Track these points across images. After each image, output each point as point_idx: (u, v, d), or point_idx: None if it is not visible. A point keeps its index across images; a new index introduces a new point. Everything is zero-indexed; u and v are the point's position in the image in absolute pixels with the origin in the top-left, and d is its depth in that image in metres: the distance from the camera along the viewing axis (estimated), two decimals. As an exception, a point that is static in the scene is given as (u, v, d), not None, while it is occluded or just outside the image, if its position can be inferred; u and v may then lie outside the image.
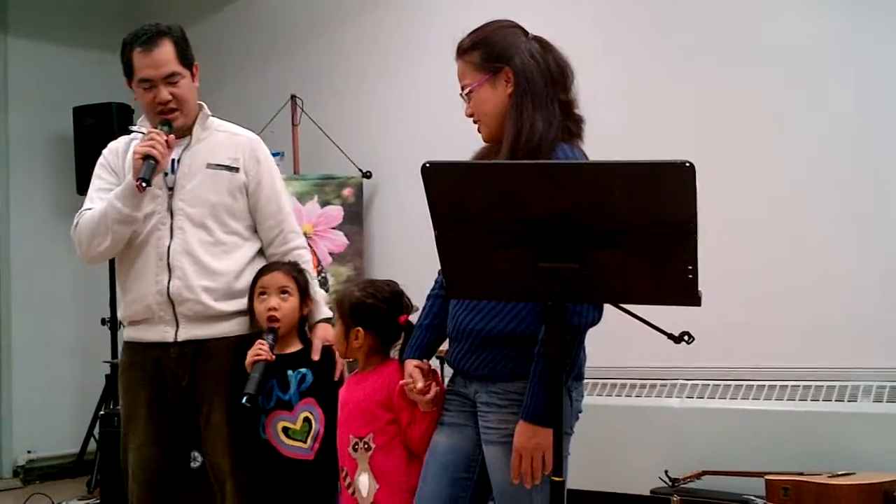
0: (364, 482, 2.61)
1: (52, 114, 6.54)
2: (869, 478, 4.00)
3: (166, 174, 3.06)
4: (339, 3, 6.22)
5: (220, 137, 3.17)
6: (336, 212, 5.72)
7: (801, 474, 4.12)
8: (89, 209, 3.10)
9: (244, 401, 2.74)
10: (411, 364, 2.54)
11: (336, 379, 2.92)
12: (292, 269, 3.03)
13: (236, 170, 3.12)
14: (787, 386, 4.51)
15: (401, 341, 2.73)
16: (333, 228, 5.72)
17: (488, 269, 2.08)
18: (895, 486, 3.92)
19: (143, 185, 2.88)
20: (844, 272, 4.41)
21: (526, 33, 2.49)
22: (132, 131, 3.17)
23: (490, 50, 2.44)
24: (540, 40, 2.48)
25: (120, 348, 3.27)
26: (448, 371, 2.59)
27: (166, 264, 3.03)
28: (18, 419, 6.46)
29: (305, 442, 2.89)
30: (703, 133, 4.68)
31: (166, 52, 3.04)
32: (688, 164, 1.83)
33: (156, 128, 3.02)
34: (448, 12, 5.59)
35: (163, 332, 3.05)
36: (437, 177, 2.00)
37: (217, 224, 3.08)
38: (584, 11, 5.02)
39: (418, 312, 2.72)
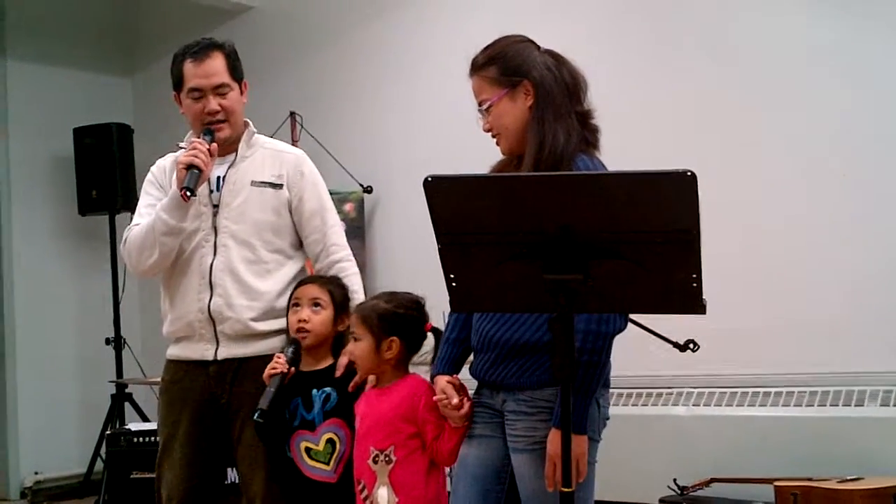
0: (383, 495, 2.60)
1: (53, 135, 6.56)
2: (878, 482, 3.99)
3: (211, 191, 3.06)
4: (336, 19, 6.24)
5: (266, 154, 3.16)
6: (338, 227, 5.72)
7: (810, 480, 4.11)
8: (137, 224, 3.09)
9: (255, 416, 2.71)
10: (443, 380, 2.54)
11: (351, 390, 2.86)
12: (329, 283, 2.99)
13: (280, 186, 3.11)
14: (793, 392, 4.50)
15: (428, 351, 2.73)
16: (336, 244, 5.71)
17: (492, 282, 2.08)
18: (904, 490, 3.92)
19: (188, 194, 2.87)
20: (850, 276, 4.41)
21: (538, 47, 2.51)
22: (179, 147, 3.13)
23: (507, 64, 2.45)
24: (553, 53, 2.50)
25: (152, 365, 3.27)
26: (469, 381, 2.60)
27: (208, 282, 3.02)
28: (25, 440, 6.45)
29: (328, 464, 2.84)
30: (701, 140, 4.69)
31: (217, 63, 3.06)
32: (689, 174, 1.83)
33: (198, 137, 3.03)
34: (446, 27, 5.61)
35: (203, 350, 3.03)
36: (440, 190, 2.00)
37: (261, 242, 3.07)
38: (580, 23, 5.03)
39: (435, 327, 2.74)
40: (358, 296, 3.07)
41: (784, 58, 4.57)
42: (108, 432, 5.47)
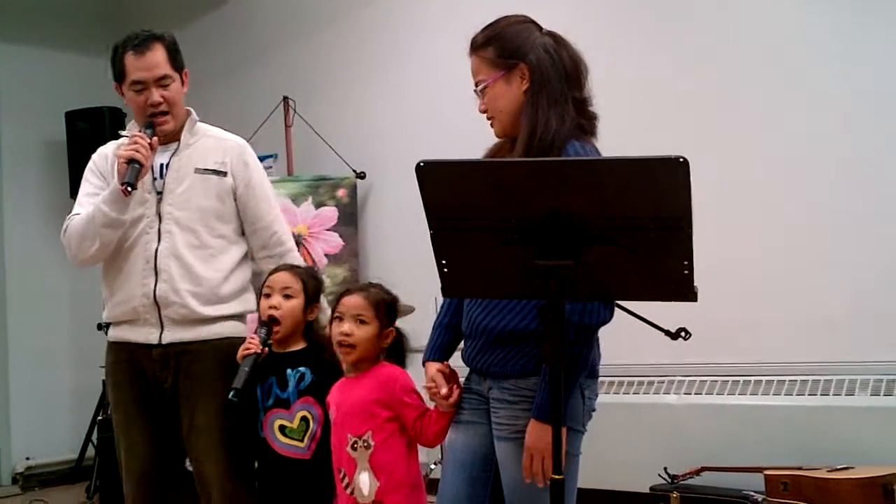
0: (365, 480, 2.61)
1: (45, 119, 6.53)
2: (867, 471, 4.00)
3: (155, 179, 3.09)
4: (329, 4, 6.21)
5: (208, 143, 3.20)
6: (331, 213, 5.72)
7: (800, 469, 4.11)
8: (78, 214, 3.12)
9: (230, 395, 2.74)
10: (433, 368, 2.54)
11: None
12: (302, 272, 3.03)
13: (224, 174, 3.15)
14: (784, 381, 4.51)
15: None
16: (328, 230, 5.71)
17: (484, 267, 2.07)
18: (894, 480, 3.92)
19: (129, 189, 2.90)
20: (842, 266, 4.41)
21: (540, 28, 2.48)
22: (122, 136, 3.19)
23: (505, 46, 2.43)
24: (554, 35, 2.47)
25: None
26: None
27: (153, 267, 3.05)
28: (16, 426, 6.44)
29: (302, 441, 2.88)
30: (699, 129, 4.69)
31: (158, 55, 3.08)
32: (682, 160, 1.82)
33: (140, 131, 3.05)
34: (439, 11, 5.59)
35: (147, 334, 3.07)
36: (432, 176, 1.99)
37: (205, 228, 3.10)
38: (579, 8, 5.01)
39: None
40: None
41: (786, 48, 4.56)
42: (99, 418, 5.47)
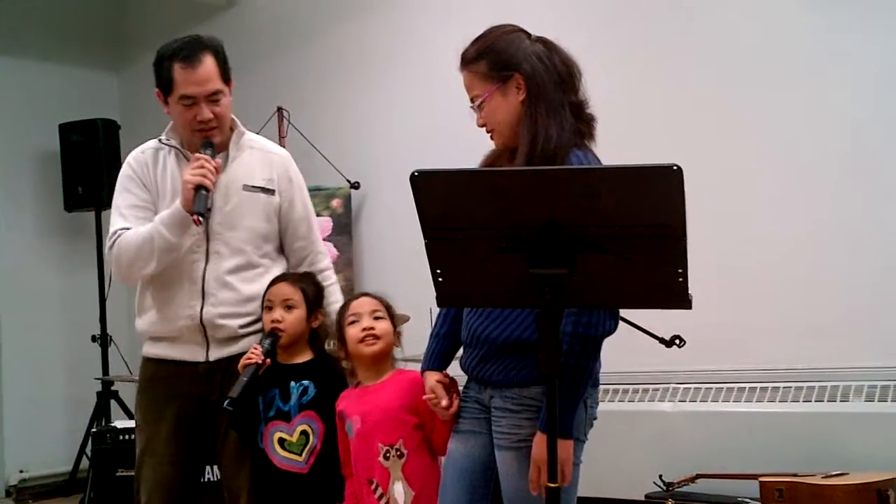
0: (399, 490, 2.60)
1: (38, 131, 6.53)
2: (862, 477, 4.00)
3: None
4: (323, 14, 6.22)
5: (255, 156, 3.08)
6: (325, 223, 5.72)
7: (795, 475, 4.12)
8: (126, 228, 2.97)
9: (225, 404, 2.71)
10: (432, 378, 2.54)
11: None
12: (300, 280, 2.99)
13: (272, 192, 3.06)
14: (779, 387, 4.52)
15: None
16: (323, 240, 5.69)
17: (479, 276, 2.08)
18: (888, 485, 3.93)
19: (200, 219, 2.79)
20: (835, 272, 4.43)
21: (529, 35, 2.47)
22: (161, 142, 3.05)
23: (497, 58, 2.41)
24: (544, 41, 2.46)
25: (127, 362, 3.24)
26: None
27: (200, 290, 2.97)
28: (10, 438, 6.42)
29: (300, 455, 2.87)
30: (691, 135, 4.70)
31: (209, 67, 2.91)
32: (676, 168, 1.83)
33: (199, 151, 2.91)
34: (433, 23, 5.61)
35: (193, 352, 2.99)
36: (426, 185, 2.00)
37: (253, 248, 3.03)
38: (567, 15, 5.03)
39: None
40: (336, 306, 3.05)
41: (781, 56, 4.58)
42: (93, 430, 5.45)
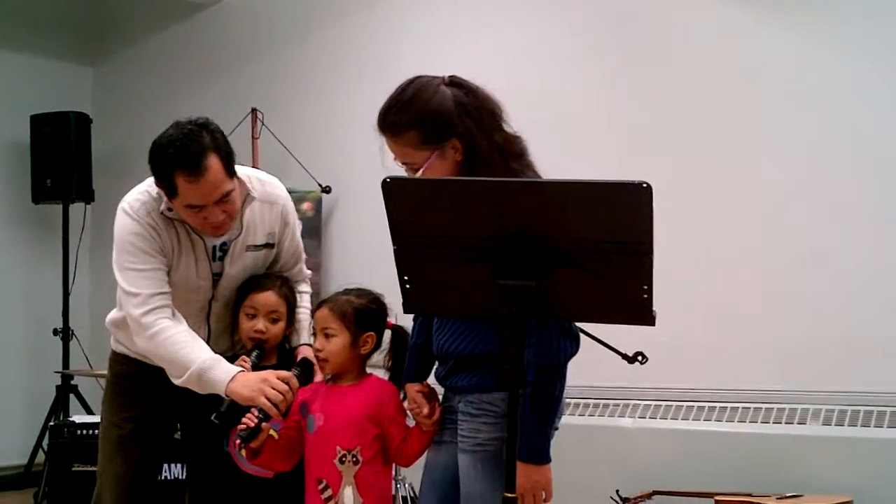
0: (349, 495, 2.60)
1: (9, 122, 6.48)
2: (816, 500, 4.04)
3: (213, 261, 2.91)
4: (302, 18, 6.22)
5: (258, 211, 2.94)
6: (294, 226, 5.70)
7: (751, 496, 4.15)
8: (165, 306, 2.79)
9: (213, 417, 2.67)
10: (413, 389, 2.57)
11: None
12: (283, 288, 2.97)
13: (273, 246, 3.02)
14: (738, 408, 4.55)
15: (383, 349, 2.73)
16: (291, 243, 5.70)
17: (446, 284, 2.09)
18: (842, 509, 3.98)
19: (241, 446, 2.63)
20: (799, 296, 4.47)
21: (443, 80, 2.42)
22: (167, 216, 2.80)
23: (432, 129, 2.37)
24: (458, 83, 2.41)
25: (99, 356, 3.18)
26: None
27: (206, 334, 2.95)
28: (-34, 429, 6.36)
29: None
30: (660, 150, 4.73)
31: (216, 173, 2.67)
32: (645, 185, 1.85)
33: (248, 354, 2.85)
34: (410, 25, 5.62)
35: None
36: (398, 192, 2.01)
37: None
38: (539, 22, 5.05)
39: (397, 324, 2.75)
40: (301, 310, 3.06)
41: (741, 75, 4.63)
42: (51, 424, 5.41)
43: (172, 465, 3.91)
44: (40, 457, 5.96)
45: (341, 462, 2.61)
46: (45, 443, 5.63)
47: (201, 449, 2.98)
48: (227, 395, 2.66)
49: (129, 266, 2.81)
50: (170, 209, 2.79)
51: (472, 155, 2.37)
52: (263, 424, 2.59)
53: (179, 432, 3.16)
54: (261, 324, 2.88)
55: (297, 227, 3.15)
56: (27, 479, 6.14)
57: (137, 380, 3.05)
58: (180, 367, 2.73)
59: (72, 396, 6.12)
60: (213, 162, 2.66)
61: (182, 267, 2.87)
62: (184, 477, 3.28)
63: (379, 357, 2.78)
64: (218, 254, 2.91)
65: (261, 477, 2.85)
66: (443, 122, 2.37)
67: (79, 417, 5.30)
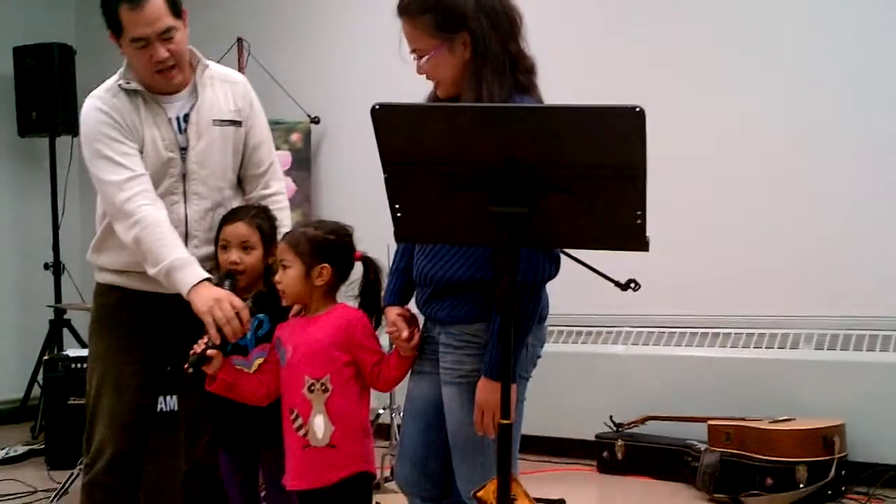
0: (320, 424, 2.60)
1: (-9, 54, 6.39)
2: (808, 423, 4.09)
3: (179, 133, 2.90)
4: (287, -55, 6.12)
5: (218, 88, 2.98)
6: (284, 157, 5.66)
7: (743, 419, 4.20)
8: (145, 191, 2.81)
9: (186, 366, 2.66)
10: (393, 312, 2.54)
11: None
12: (256, 218, 2.91)
13: (240, 124, 3.00)
14: (730, 333, 4.58)
15: (355, 281, 2.71)
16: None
17: (438, 212, 2.07)
18: (834, 432, 4.02)
19: (190, 370, 2.62)
20: (790, 226, 4.48)
21: None
22: (123, 87, 2.87)
23: (445, 16, 2.33)
24: None
25: (91, 289, 3.12)
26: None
27: (184, 232, 2.90)
28: (-40, 366, 6.38)
29: None
30: (648, 79, 4.69)
31: (156, 5, 2.77)
32: (638, 110, 1.82)
33: (221, 284, 2.75)
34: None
35: (167, 287, 2.85)
36: (388, 119, 1.98)
37: (226, 183, 2.99)
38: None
39: (366, 255, 2.72)
40: (285, 230, 2.97)
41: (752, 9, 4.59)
42: (45, 358, 5.42)
43: (168, 398, 3.91)
44: (36, 391, 5.99)
45: (310, 391, 2.60)
46: (40, 377, 5.65)
47: (191, 380, 2.97)
48: (186, 298, 2.70)
49: (102, 154, 2.86)
50: (128, 82, 2.87)
51: (482, 57, 2.33)
52: (210, 352, 2.61)
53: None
54: (234, 255, 2.85)
55: (264, 118, 3.13)
56: (23, 413, 6.18)
57: (124, 311, 3.02)
58: (155, 258, 2.78)
59: (65, 330, 6.13)
60: None
61: (148, 140, 2.88)
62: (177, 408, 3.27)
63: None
64: (182, 125, 2.93)
65: (252, 405, 2.85)
66: (458, 12, 2.33)
67: (72, 351, 5.31)
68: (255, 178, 3.09)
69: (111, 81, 2.94)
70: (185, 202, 2.93)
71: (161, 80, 2.88)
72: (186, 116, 2.93)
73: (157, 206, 2.83)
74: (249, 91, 3.09)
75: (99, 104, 2.90)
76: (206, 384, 2.67)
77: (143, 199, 2.82)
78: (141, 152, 2.88)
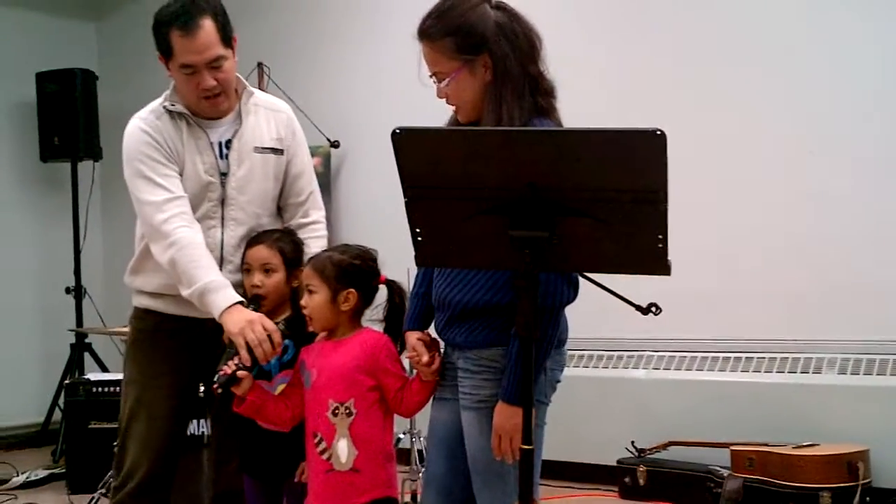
0: (343, 448, 2.60)
1: (15, 80, 6.44)
2: (832, 449, 4.04)
3: (220, 158, 2.92)
4: (307, -30, 6.16)
5: (261, 116, 3.02)
6: (304, 181, 5.68)
7: (766, 445, 4.16)
8: (182, 213, 2.83)
9: (216, 386, 2.65)
10: (413, 337, 2.53)
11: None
12: (279, 242, 2.92)
13: (281, 152, 3.02)
14: (752, 358, 4.54)
15: (380, 305, 2.71)
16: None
17: (458, 237, 2.07)
18: (858, 458, 3.97)
19: (219, 390, 2.62)
20: (814, 249, 4.45)
21: (489, 2, 2.39)
22: (167, 109, 2.90)
23: (466, 39, 2.34)
24: (506, 9, 2.39)
25: (124, 313, 3.12)
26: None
27: (219, 257, 2.91)
28: (-18, 389, 6.40)
29: None
30: (674, 102, 4.68)
31: (208, 33, 2.80)
32: (659, 133, 1.81)
33: (247, 306, 2.76)
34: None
35: (204, 313, 2.86)
36: (408, 143, 1.98)
37: (264, 210, 3.01)
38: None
39: (391, 279, 2.72)
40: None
41: (767, 24, 4.58)
42: (66, 382, 5.44)
43: (200, 421, 3.92)
44: (57, 415, 6.01)
45: (334, 415, 2.60)
46: (61, 401, 5.67)
47: (222, 405, 2.97)
48: (219, 321, 2.71)
49: (143, 174, 2.88)
50: (172, 104, 2.89)
51: (502, 78, 2.33)
52: (240, 373, 2.60)
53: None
54: (255, 278, 2.87)
55: (306, 147, 3.15)
56: (44, 437, 6.20)
57: (160, 335, 3.03)
58: (189, 280, 2.79)
59: (86, 355, 6.15)
60: (207, 23, 2.80)
61: (189, 163, 2.90)
62: (208, 432, 3.26)
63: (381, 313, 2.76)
64: (223, 151, 2.94)
65: (277, 430, 2.85)
66: (479, 34, 2.33)
67: (94, 375, 5.33)
68: (294, 207, 3.10)
69: (156, 103, 2.97)
70: (222, 227, 2.95)
71: (207, 105, 2.90)
72: (229, 142, 2.95)
73: (194, 229, 2.85)
74: (293, 120, 3.11)
75: (142, 125, 2.92)
76: (234, 405, 2.67)
77: (181, 221, 2.83)
78: (181, 175, 2.90)
